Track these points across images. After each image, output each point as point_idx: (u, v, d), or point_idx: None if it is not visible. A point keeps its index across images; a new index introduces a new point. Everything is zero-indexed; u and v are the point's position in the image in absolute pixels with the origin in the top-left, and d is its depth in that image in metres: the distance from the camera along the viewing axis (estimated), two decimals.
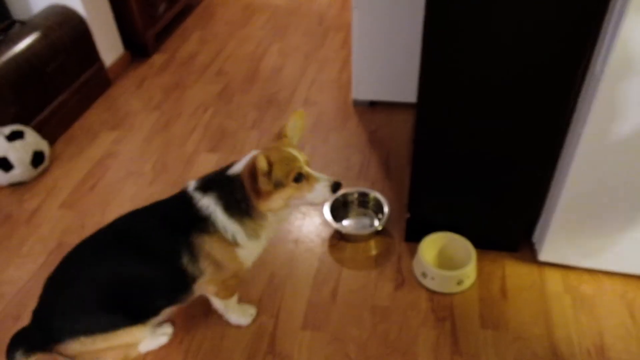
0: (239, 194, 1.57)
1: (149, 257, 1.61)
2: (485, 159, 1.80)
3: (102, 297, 1.59)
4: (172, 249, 1.60)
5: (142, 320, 1.67)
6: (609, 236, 1.85)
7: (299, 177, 1.54)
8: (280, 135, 1.65)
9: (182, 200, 1.63)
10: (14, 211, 2.37)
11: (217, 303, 1.82)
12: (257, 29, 3.78)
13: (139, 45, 3.40)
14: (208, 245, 1.60)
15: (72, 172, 2.58)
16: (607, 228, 1.83)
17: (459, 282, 1.92)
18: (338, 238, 2.19)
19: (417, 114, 1.78)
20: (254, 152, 1.58)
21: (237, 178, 1.57)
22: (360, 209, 2.31)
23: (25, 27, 2.68)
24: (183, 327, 1.88)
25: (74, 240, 1.84)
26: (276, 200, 1.55)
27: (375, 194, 2.27)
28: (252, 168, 1.49)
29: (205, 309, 1.92)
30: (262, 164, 1.47)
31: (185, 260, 1.60)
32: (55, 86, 2.76)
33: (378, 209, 2.25)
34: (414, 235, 2.09)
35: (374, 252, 2.12)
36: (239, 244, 1.62)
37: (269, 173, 1.50)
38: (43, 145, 2.53)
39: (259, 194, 1.53)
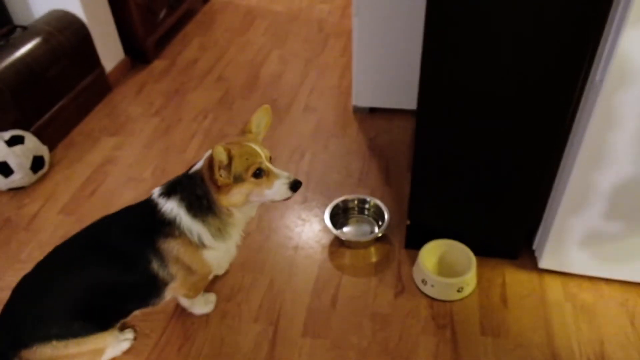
0: (199, 190, 1.57)
1: (119, 264, 1.61)
2: (485, 166, 1.80)
3: (74, 303, 1.59)
4: (141, 256, 1.60)
5: (112, 324, 1.69)
6: (609, 244, 1.85)
7: (259, 173, 1.55)
8: (245, 131, 1.66)
9: (147, 206, 1.64)
10: (13, 216, 2.37)
11: (184, 301, 1.86)
12: (258, 36, 3.79)
13: (139, 51, 3.41)
14: (175, 249, 1.61)
15: (72, 177, 2.57)
16: (608, 235, 1.83)
17: (459, 290, 1.92)
18: (338, 245, 2.19)
19: (417, 121, 1.78)
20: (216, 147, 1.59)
21: (197, 174, 1.58)
22: (360, 215, 2.31)
23: (27, 32, 2.69)
24: (182, 333, 1.87)
25: None
26: (235, 195, 1.55)
27: (375, 201, 2.27)
28: (211, 160, 1.49)
29: (204, 315, 1.92)
30: (221, 156, 1.47)
31: (155, 266, 1.61)
32: (56, 91, 2.76)
33: (378, 215, 2.25)
34: (414, 242, 2.08)
35: (374, 259, 2.12)
36: (205, 245, 1.62)
37: (228, 166, 1.51)
38: (43, 151, 2.53)
39: (218, 187, 1.54)
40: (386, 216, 2.19)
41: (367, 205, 2.30)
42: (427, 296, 1.96)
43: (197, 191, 1.58)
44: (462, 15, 1.48)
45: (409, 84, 2.67)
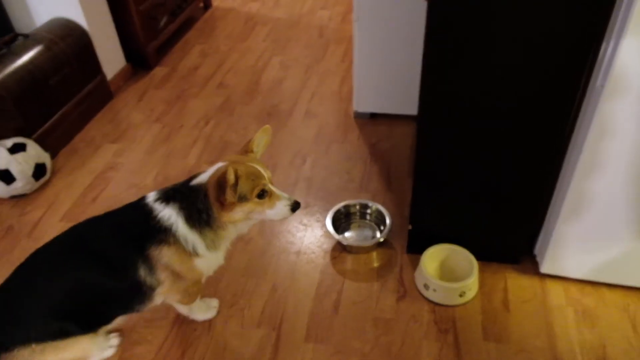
0: (201, 204, 1.58)
1: (104, 267, 1.60)
2: (487, 171, 1.81)
3: (55, 306, 1.59)
4: (128, 260, 1.60)
5: (94, 328, 1.68)
6: (610, 248, 1.85)
7: (263, 194, 1.58)
8: (247, 150, 1.68)
9: (140, 211, 1.63)
10: (15, 224, 2.37)
11: (182, 308, 1.86)
12: (258, 42, 3.80)
13: (140, 58, 3.42)
14: (167, 256, 1.61)
15: (74, 184, 2.58)
16: (609, 240, 1.83)
17: (461, 294, 1.92)
18: (340, 250, 2.19)
19: (418, 127, 1.79)
20: (220, 164, 1.61)
21: (200, 188, 1.59)
22: (362, 220, 2.31)
23: (28, 40, 2.70)
24: (185, 339, 1.87)
25: None
26: (238, 213, 1.58)
27: (377, 206, 2.27)
28: (220, 179, 1.51)
29: (208, 320, 1.92)
30: (231, 177, 1.49)
31: (142, 272, 1.61)
32: (58, 99, 2.77)
33: (380, 220, 2.26)
34: (416, 247, 2.09)
35: (376, 264, 2.12)
36: (198, 254, 1.63)
37: (234, 186, 1.52)
38: (45, 158, 2.54)
39: (222, 205, 1.56)
40: (388, 221, 2.19)
41: (368, 210, 2.30)
42: (429, 301, 1.96)
43: (199, 205, 1.59)
44: (462, 21, 1.49)
45: (409, 90, 2.68)
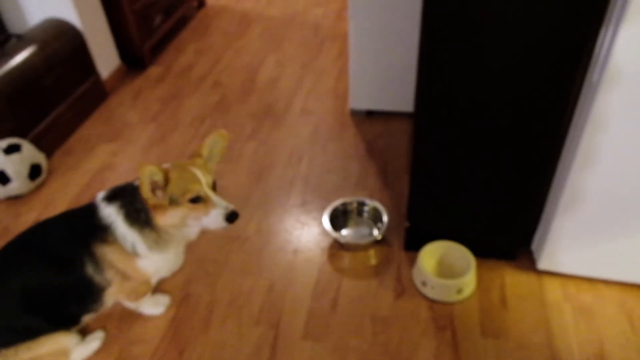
0: (139, 204, 1.59)
1: (54, 266, 1.62)
2: (483, 167, 1.81)
3: (15, 305, 1.60)
4: (75, 259, 1.62)
5: (62, 327, 1.70)
6: (607, 244, 1.85)
7: (197, 199, 1.56)
8: (195, 154, 1.66)
9: (88, 209, 1.66)
10: (11, 225, 2.36)
11: (128, 304, 1.87)
12: (253, 40, 3.79)
13: (135, 58, 3.41)
14: (109, 255, 1.62)
15: (70, 185, 2.57)
16: (606, 236, 1.83)
17: (459, 291, 1.92)
18: (337, 248, 2.19)
19: (415, 124, 1.79)
20: (165, 165, 1.60)
21: (138, 188, 1.59)
22: (359, 218, 2.31)
23: (22, 40, 2.69)
24: (182, 338, 1.87)
25: None
26: (171, 217, 1.57)
27: (374, 203, 2.27)
28: (145, 177, 1.51)
29: (205, 319, 1.92)
30: (155, 176, 1.50)
31: (90, 270, 1.62)
32: (52, 99, 2.76)
33: (377, 218, 2.26)
34: (413, 244, 2.09)
35: (373, 261, 2.12)
36: (138, 254, 1.63)
37: (164, 187, 1.53)
38: (40, 159, 2.53)
39: (153, 207, 1.56)
40: (385, 218, 2.19)
41: (365, 208, 2.30)
42: (427, 298, 1.96)
43: (137, 204, 1.60)
44: (458, 17, 1.48)
45: (405, 87, 2.68)
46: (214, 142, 1.68)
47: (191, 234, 1.71)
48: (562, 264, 1.96)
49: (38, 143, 2.59)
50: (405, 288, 2.01)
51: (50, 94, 2.74)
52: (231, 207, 1.58)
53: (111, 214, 1.61)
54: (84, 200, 2.47)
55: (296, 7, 4.22)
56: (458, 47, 1.54)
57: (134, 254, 1.63)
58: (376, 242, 2.18)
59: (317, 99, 3.12)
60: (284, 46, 3.70)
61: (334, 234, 2.15)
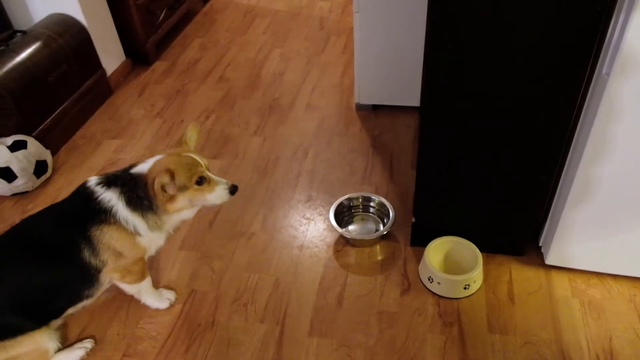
0: (141, 192, 1.66)
1: (47, 257, 1.65)
2: (491, 161, 1.79)
3: (7, 303, 1.62)
4: (71, 245, 1.65)
5: (46, 322, 1.71)
6: (616, 239, 1.83)
7: (201, 180, 1.67)
8: (182, 142, 1.79)
9: (80, 195, 1.70)
10: (17, 221, 2.36)
11: (128, 288, 1.88)
12: (258, 35, 3.78)
13: (140, 53, 3.40)
14: (108, 235, 1.66)
15: (75, 181, 2.57)
16: (614, 231, 1.81)
17: (466, 287, 1.91)
18: (343, 243, 2.18)
19: (421, 118, 1.77)
20: (159, 156, 1.70)
21: (140, 177, 1.66)
22: (365, 213, 2.30)
23: (26, 36, 2.68)
24: (189, 335, 1.87)
25: None
26: (181, 202, 1.68)
27: (380, 199, 2.26)
28: (157, 186, 1.59)
29: (211, 316, 1.92)
30: (163, 180, 1.59)
31: (86, 253, 1.66)
32: (57, 95, 2.76)
33: (383, 213, 2.24)
34: (420, 239, 2.08)
35: (379, 257, 2.11)
36: (140, 234, 1.70)
37: (172, 180, 1.61)
38: (46, 155, 2.53)
39: (165, 200, 1.65)
40: (391, 214, 2.18)
41: (371, 203, 2.29)
42: (433, 294, 1.95)
43: (139, 192, 1.66)
44: (465, 9, 1.46)
45: (411, 81, 2.66)
46: (190, 133, 1.80)
47: (190, 214, 1.79)
48: (571, 258, 1.94)
49: (43, 139, 2.59)
50: (411, 284, 2.00)
51: (56, 90, 2.74)
52: (230, 182, 1.73)
53: (112, 198, 1.66)
54: None
55: (301, 2, 4.20)
56: (465, 40, 1.52)
57: (136, 234, 1.69)
58: (382, 238, 2.17)
59: (323, 93, 3.11)
60: (289, 41, 3.68)
61: (340, 230, 2.14)
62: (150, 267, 2.10)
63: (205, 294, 2.00)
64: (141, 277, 1.85)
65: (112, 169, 2.60)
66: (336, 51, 3.52)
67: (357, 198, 2.29)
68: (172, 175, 1.61)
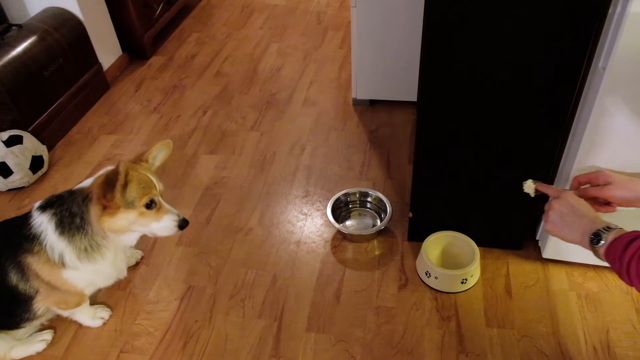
0: (76, 207, 1.54)
1: None
2: (488, 156, 1.79)
3: None
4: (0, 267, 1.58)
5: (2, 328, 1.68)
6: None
7: (151, 204, 1.55)
8: (141, 159, 1.64)
9: (23, 218, 1.61)
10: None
11: (60, 312, 1.79)
12: (256, 30, 3.77)
13: (136, 48, 3.39)
14: (33, 265, 1.57)
15: (72, 176, 2.56)
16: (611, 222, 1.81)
17: (463, 281, 1.91)
18: (340, 239, 2.18)
19: (418, 113, 1.77)
20: (109, 167, 1.56)
21: (80, 191, 1.56)
22: (362, 208, 2.30)
23: (22, 30, 2.67)
24: (186, 331, 1.86)
25: None
26: (120, 220, 1.53)
27: (377, 194, 2.26)
28: (110, 175, 1.46)
29: (208, 311, 1.91)
30: (123, 175, 1.45)
31: (13, 279, 1.58)
32: (53, 90, 2.75)
33: (380, 208, 2.24)
34: (417, 234, 2.08)
35: (376, 252, 2.11)
36: (66, 264, 1.57)
37: (124, 186, 1.48)
38: (42, 150, 2.52)
39: (105, 206, 1.51)
40: (388, 209, 2.17)
41: (369, 198, 2.29)
42: (431, 288, 1.95)
43: (73, 208, 1.54)
44: (462, 5, 1.46)
45: (409, 76, 2.66)
46: (158, 151, 1.68)
47: (130, 240, 1.67)
48: (568, 252, 1.95)
49: (39, 134, 2.58)
50: (409, 279, 2.00)
51: (52, 85, 2.73)
52: (182, 215, 1.61)
53: (42, 222, 1.56)
54: None
55: None
56: (462, 35, 1.51)
57: (60, 265, 1.57)
58: (379, 233, 2.17)
59: (320, 88, 3.10)
60: (287, 35, 3.67)
61: (337, 225, 2.13)
62: (147, 263, 2.10)
63: (202, 290, 2.00)
64: (78, 305, 1.77)
65: (108, 165, 2.60)
66: (333, 46, 3.51)
67: (354, 193, 2.29)
68: (125, 181, 1.48)
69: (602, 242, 1.15)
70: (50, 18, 2.79)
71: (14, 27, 2.67)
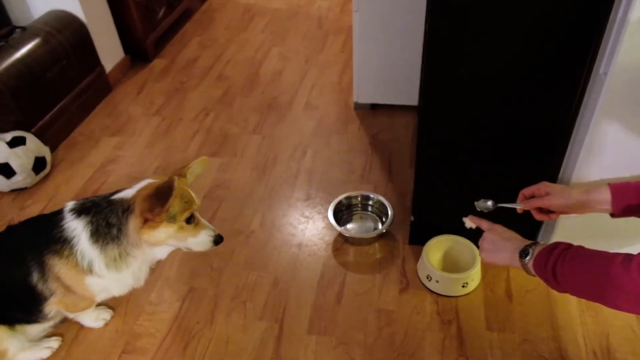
0: (114, 218, 1.53)
1: (6, 264, 1.61)
2: (489, 160, 1.80)
3: None
4: (22, 264, 1.58)
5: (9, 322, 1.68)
6: (612, 238, 1.84)
7: (190, 219, 1.56)
8: (181, 174, 1.65)
9: (53, 218, 1.60)
10: (16, 218, 2.36)
11: (67, 314, 1.79)
12: (257, 33, 3.78)
13: (139, 50, 3.40)
14: (58, 267, 1.57)
15: (74, 178, 2.57)
16: (611, 230, 1.82)
17: (464, 285, 1.91)
18: (342, 242, 2.18)
19: (420, 117, 1.78)
20: (149, 180, 1.58)
21: (120, 202, 1.54)
22: (364, 212, 2.30)
23: (26, 33, 2.68)
24: (187, 332, 1.87)
25: None
26: (161, 233, 1.53)
27: (378, 197, 2.26)
28: (162, 188, 1.46)
29: (210, 313, 1.92)
30: (176, 187, 1.45)
31: (35, 277, 1.58)
32: (56, 92, 2.76)
33: (381, 212, 2.25)
34: (418, 238, 2.08)
35: (378, 255, 2.12)
36: (92, 272, 1.58)
37: (165, 204, 1.48)
38: (44, 151, 2.52)
39: (147, 219, 1.50)
40: (390, 212, 2.18)
41: (370, 202, 2.29)
42: (432, 292, 1.95)
43: (112, 219, 1.53)
44: (464, 8, 1.47)
45: (410, 80, 2.67)
46: (196, 167, 1.70)
47: (162, 254, 1.69)
48: None
49: (42, 136, 2.59)
50: (410, 282, 2.00)
51: (55, 87, 2.74)
52: (218, 231, 1.63)
53: (76, 228, 1.55)
54: (88, 193, 2.47)
55: (300, 0, 4.21)
56: (464, 41, 1.52)
57: (86, 272, 1.58)
58: (381, 236, 2.18)
59: (321, 92, 3.11)
60: (288, 39, 3.69)
61: (339, 228, 2.14)
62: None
63: (204, 292, 2.00)
64: (85, 309, 1.78)
65: (110, 167, 2.62)
66: (335, 50, 3.53)
67: (355, 197, 2.30)
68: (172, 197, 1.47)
69: (529, 255, 1.30)
70: (54, 20, 2.81)
71: (17, 30, 2.69)
